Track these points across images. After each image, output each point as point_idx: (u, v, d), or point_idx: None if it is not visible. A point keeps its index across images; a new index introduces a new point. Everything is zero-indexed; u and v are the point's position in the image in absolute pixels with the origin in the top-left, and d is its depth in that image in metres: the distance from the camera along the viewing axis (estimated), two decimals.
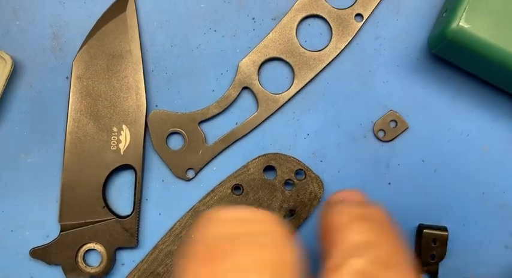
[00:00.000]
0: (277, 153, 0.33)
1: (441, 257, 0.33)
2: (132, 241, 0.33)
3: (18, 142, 0.34)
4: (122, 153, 0.33)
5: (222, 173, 0.34)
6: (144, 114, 0.34)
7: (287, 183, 0.33)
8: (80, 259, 0.33)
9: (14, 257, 0.34)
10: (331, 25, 0.34)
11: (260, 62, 0.34)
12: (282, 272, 0.17)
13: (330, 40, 0.35)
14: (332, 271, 0.18)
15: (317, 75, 0.34)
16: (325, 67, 0.34)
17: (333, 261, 0.18)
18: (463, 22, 0.30)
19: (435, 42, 0.33)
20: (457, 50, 0.32)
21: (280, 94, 0.34)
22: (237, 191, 0.33)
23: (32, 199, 0.34)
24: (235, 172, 0.33)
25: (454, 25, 0.30)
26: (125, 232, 0.33)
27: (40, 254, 0.33)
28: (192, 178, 0.34)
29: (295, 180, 0.33)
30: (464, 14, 0.30)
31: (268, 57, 0.34)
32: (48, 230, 0.34)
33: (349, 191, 0.24)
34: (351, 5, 0.34)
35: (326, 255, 0.19)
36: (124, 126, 0.34)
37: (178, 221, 0.33)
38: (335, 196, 0.24)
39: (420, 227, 0.33)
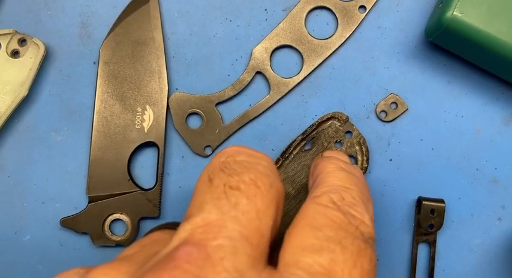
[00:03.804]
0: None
1: (439, 227, 0.36)
2: (155, 211, 0.36)
3: (48, 121, 0.37)
4: (145, 131, 0.36)
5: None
6: (166, 96, 0.37)
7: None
8: (106, 228, 0.36)
9: (45, 227, 0.36)
10: (337, 16, 0.38)
11: (272, 49, 0.37)
12: (273, 193, 0.21)
13: (336, 29, 0.38)
14: (313, 199, 0.23)
15: (324, 61, 0.38)
16: (331, 54, 0.38)
17: (315, 194, 0.24)
18: (456, 11, 0.33)
19: (432, 31, 0.36)
20: (451, 37, 0.35)
21: (290, 79, 0.37)
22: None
23: (61, 173, 0.37)
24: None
25: (448, 14, 0.34)
26: (148, 203, 0.36)
27: (70, 223, 0.35)
28: (210, 154, 0.37)
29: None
30: (458, 3, 0.33)
31: (279, 44, 0.37)
32: (77, 203, 0.36)
33: (338, 152, 0.32)
34: None
35: (312, 190, 0.25)
36: (147, 107, 0.37)
37: None
38: (328, 153, 0.31)
39: (419, 200, 0.36)
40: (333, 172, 0.26)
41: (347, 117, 0.36)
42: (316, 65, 0.38)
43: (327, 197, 0.23)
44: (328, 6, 0.38)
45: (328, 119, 0.37)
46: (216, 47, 0.38)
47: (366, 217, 0.23)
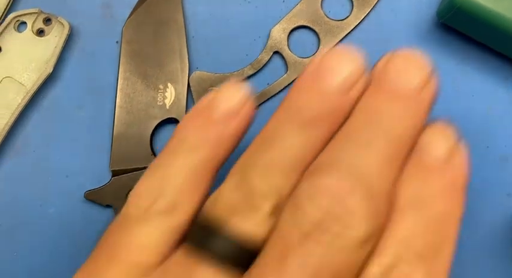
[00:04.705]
0: None
1: None
2: None
3: (72, 97, 0.38)
4: (167, 108, 0.37)
5: (254, 127, 0.38)
6: (187, 74, 0.38)
7: None
8: None
9: (69, 200, 0.37)
10: None
11: (289, 30, 0.39)
12: None
13: (351, 11, 0.39)
14: None
15: (339, 41, 0.39)
16: (346, 35, 0.39)
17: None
18: None
19: (444, 12, 0.37)
20: (463, 17, 0.36)
21: (307, 59, 0.39)
22: None
23: (84, 148, 0.38)
24: None
25: None
26: None
27: (93, 196, 0.37)
28: None
29: None
30: None
31: (296, 25, 0.39)
32: (100, 176, 0.38)
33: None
34: None
35: None
36: (169, 84, 0.38)
37: None
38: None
39: None
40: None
41: None
42: (332, 45, 0.39)
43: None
44: None
45: None
46: (235, 28, 0.39)
47: None
